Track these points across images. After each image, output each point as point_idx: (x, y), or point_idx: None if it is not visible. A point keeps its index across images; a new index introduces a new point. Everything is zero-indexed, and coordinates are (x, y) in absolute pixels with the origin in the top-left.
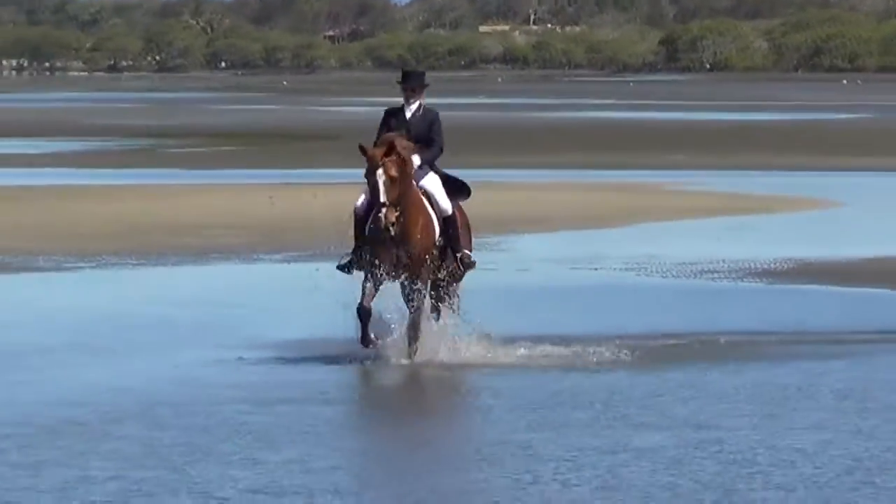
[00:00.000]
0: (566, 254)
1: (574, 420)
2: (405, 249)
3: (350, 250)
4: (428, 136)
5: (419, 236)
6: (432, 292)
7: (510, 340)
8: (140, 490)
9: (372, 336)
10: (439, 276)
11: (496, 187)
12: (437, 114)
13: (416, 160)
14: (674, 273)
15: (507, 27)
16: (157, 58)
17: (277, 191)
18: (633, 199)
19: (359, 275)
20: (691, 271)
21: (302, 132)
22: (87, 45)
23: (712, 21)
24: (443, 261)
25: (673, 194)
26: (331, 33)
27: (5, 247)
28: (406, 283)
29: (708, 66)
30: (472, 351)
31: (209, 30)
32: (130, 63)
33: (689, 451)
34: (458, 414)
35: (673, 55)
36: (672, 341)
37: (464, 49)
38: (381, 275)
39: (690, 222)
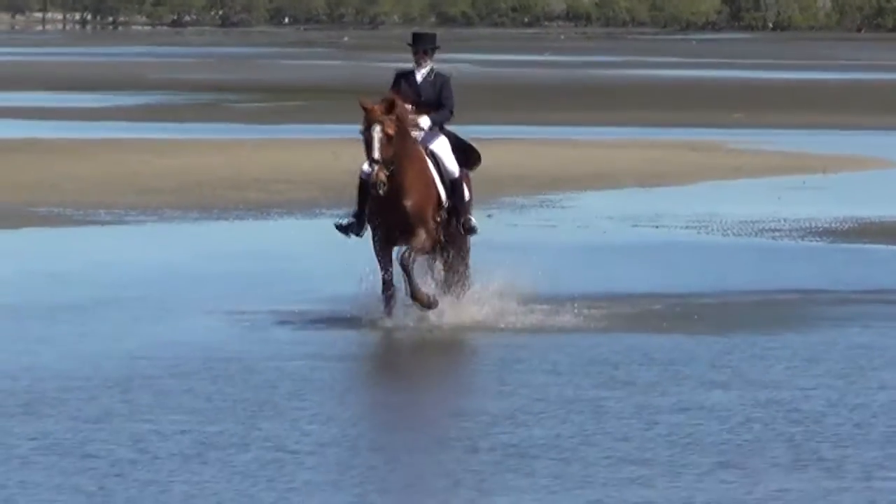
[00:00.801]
0: (628, 211)
1: (642, 378)
2: (402, 209)
3: (352, 212)
4: (437, 101)
5: (416, 196)
6: (444, 271)
7: (571, 298)
8: (212, 443)
9: (391, 308)
10: (445, 254)
11: (558, 144)
12: (448, 77)
13: (425, 122)
14: (735, 231)
15: None
16: (221, 12)
17: (341, 146)
18: (695, 157)
19: (356, 239)
20: (753, 230)
21: (365, 88)
22: (151, 0)
23: None
24: (447, 229)
25: (734, 153)
26: None
27: (68, 200)
28: (404, 244)
29: (771, 25)
30: (525, 311)
31: None
32: (194, 18)
33: (760, 409)
34: (524, 371)
35: (736, 14)
36: (736, 300)
37: (527, 6)
38: (386, 241)
39: (751, 181)
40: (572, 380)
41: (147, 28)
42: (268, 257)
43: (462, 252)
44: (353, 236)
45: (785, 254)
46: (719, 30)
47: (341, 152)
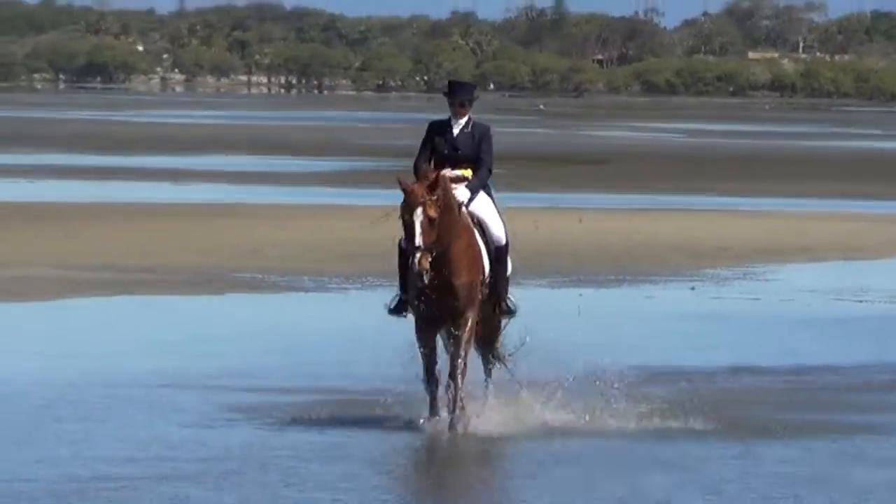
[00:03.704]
0: (830, 284)
1: (868, 454)
2: (451, 289)
3: (397, 290)
4: (476, 156)
5: (466, 274)
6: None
7: (779, 371)
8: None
9: (440, 411)
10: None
11: (761, 216)
12: (489, 129)
13: (462, 194)
14: None
15: (775, 54)
16: (426, 78)
17: (542, 215)
18: None
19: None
20: None
21: (567, 156)
22: (356, 65)
23: None
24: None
25: None
26: (599, 57)
27: (270, 266)
28: (449, 330)
29: None
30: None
31: (478, 51)
32: (399, 83)
33: None
34: (742, 437)
35: None
36: None
37: (731, 75)
38: (431, 323)
39: None
40: (790, 452)
41: (352, 92)
42: None
43: (494, 332)
44: (408, 315)
45: None
46: None
47: (542, 221)
